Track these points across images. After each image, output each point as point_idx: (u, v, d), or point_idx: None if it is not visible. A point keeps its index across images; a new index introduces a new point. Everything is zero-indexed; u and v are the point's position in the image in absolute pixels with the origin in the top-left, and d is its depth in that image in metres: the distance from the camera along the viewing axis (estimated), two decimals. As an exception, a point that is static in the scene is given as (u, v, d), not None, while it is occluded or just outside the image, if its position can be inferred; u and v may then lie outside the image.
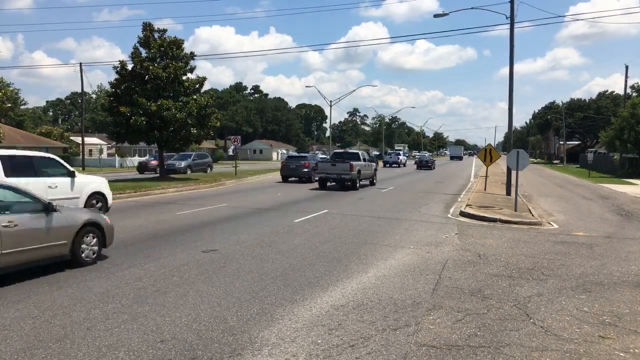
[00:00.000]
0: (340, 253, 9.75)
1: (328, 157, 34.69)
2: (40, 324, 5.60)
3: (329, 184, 26.09)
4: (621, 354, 5.04)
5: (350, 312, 6.20)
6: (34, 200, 7.91)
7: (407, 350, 5.04)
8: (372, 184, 28.48)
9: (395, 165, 61.09)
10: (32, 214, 7.68)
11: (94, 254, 8.59)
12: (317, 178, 26.93)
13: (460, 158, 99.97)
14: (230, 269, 8.26)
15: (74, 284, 7.21)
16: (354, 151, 29.76)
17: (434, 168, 55.49)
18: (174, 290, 6.98)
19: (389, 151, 77.55)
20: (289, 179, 30.91)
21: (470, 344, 5.22)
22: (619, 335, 5.56)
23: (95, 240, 8.64)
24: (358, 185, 25.51)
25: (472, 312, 6.26)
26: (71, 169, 13.58)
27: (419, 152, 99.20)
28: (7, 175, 11.10)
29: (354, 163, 25.18)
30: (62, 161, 13.57)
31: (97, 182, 14.53)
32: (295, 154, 39.75)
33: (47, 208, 7.88)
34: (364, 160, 27.35)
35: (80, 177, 13.94)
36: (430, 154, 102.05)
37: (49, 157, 13.28)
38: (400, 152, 71.20)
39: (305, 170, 30.06)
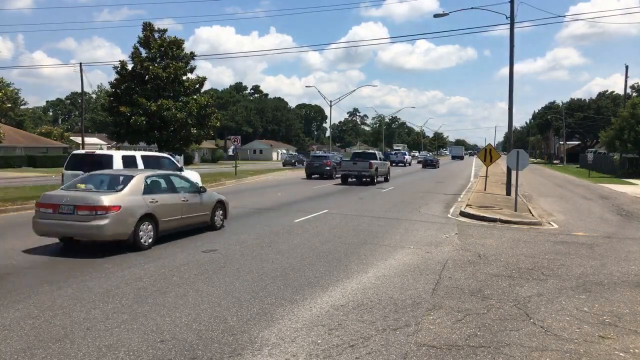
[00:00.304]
0: (340, 253, 9.75)
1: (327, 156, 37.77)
2: (40, 324, 5.60)
3: (350, 179, 29.10)
4: (621, 354, 5.04)
5: (350, 312, 6.20)
6: (192, 185, 11.89)
7: (407, 350, 5.04)
8: (386, 180, 31.41)
9: (401, 164, 62.33)
10: (193, 194, 11.49)
11: (221, 221, 12.53)
12: (339, 175, 30.64)
13: (461, 158, 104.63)
14: (230, 269, 8.26)
15: (74, 284, 7.21)
16: (372, 151, 33.40)
17: (438, 167, 58.74)
18: (174, 290, 6.98)
19: (395, 151, 79.87)
20: (312, 176, 33.67)
21: (470, 344, 5.22)
22: (619, 335, 5.56)
23: (221, 212, 12.54)
24: (376, 180, 28.70)
25: (472, 312, 6.26)
26: (180, 165, 17.54)
27: (418, 152, 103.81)
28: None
29: (373, 162, 28.60)
30: (174, 159, 17.61)
31: (196, 176, 18.99)
32: (318, 154, 43.02)
33: (199, 190, 11.83)
34: (380, 159, 30.67)
35: (186, 172, 17.43)
36: (432, 153, 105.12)
37: (167, 157, 17.42)
38: (406, 152, 74.48)
39: (327, 168, 33.22)
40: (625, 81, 56.63)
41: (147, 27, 29.60)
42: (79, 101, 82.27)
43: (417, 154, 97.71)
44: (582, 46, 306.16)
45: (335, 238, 11.37)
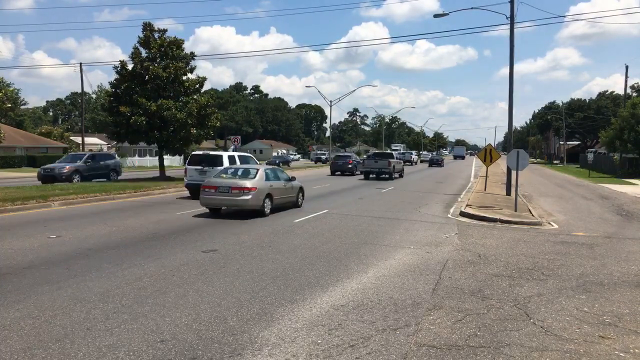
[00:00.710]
0: (340, 253, 9.75)
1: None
2: (40, 324, 5.60)
3: (370, 175, 34.41)
4: (621, 354, 5.04)
5: (350, 312, 6.20)
6: (285, 175, 16.92)
7: (407, 350, 5.04)
8: (401, 176, 36.40)
9: (408, 163, 64.08)
10: (287, 181, 16.51)
11: (302, 201, 17.57)
12: (359, 172, 37.57)
13: (462, 157, 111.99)
14: (230, 269, 8.26)
15: (74, 284, 7.21)
16: (389, 151, 42.48)
17: (443, 165, 64.67)
18: (174, 290, 6.98)
19: (402, 151, 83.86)
20: (336, 173, 39.59)
21: (470, 344, 5.22)
22: (619, 335, 5.56)
23: (301, 195, 17.60)
24: (393, 176, 34.18)
25: (472, 312, 6.26)
26: (257, 161, 21.58)
27: (426, 152, 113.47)
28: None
29: (391, 160, 34.21)
30: (253, 157, 22.10)
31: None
32: (341, 153, 51.55)
33: (290, 179, 16.90)
34: (396, 158, 36.44)
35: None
36: (435, 153, 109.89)
37: (250, 155, 22.18)
38: (413, 152, 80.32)
39: (349, 166, 39.24)
40: (626, 81, 56.76)
41: (147, 27, 29.58)
42: (79, 101, 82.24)
43: (424, 153, 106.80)
44: (583, 46, 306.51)
45: (335, 238, 11.37)
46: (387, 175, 33.60)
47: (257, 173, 15.08)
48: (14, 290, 6.88)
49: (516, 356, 4.92)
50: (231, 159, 20.01)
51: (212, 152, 21.79)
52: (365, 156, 50.07)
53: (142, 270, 8.11)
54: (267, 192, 14.83)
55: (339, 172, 39.49)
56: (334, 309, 6.31)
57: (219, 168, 17.92)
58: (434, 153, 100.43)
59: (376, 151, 45.21)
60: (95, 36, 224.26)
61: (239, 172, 15.61)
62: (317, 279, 7.72)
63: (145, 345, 5.05)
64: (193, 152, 21.86)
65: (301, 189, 17.47)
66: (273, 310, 6.21)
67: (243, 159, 20.72)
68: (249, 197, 14.19)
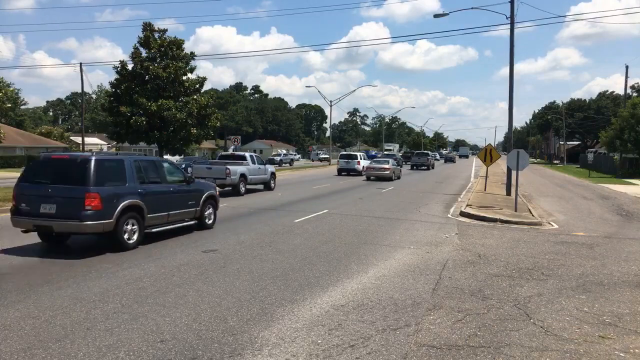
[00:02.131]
0: (340, 253, 9.75)
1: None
2: (40, 324, 5.60)
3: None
4: (621, 354, 5.04)
5: (350, 312, 6.20)
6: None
7: (407, 350, 5.04)
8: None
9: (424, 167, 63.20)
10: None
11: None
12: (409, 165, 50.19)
13: (467, 157, 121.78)
14: (230, 269, 8.26)
15: (74, 284, 7.21)
16: (426, 151, 61.20)
17: (455, 161, 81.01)
18: (174, 290, 6.98)
19: (394, 151, 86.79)
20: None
21: (470, 344, 5.22)
22: (619, 335, 5.56)
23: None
24: (430, 168, 51.11)
25: (472, 312, 6.26)
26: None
27: (445, 150, 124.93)
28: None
29: (429, 157, 53.18)
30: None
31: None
32: (388, 152, 60.87)
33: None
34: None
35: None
36: (447, 152, 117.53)
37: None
38: (428, 153, 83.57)
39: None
40: (626, 81, 56.77)
41: (147, 27, 29.61)
42: (79, 101, 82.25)
43: (444, 151, 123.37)
44: (583, 46, 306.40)
45: (336, 238, 11.37)
46: (425, 167, 51.03)
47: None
48: (14, 290, 6.88)
49: (516, 356, 4.92)
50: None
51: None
52: (414, 154, 63.65)
53: (142, 270, 8.11)
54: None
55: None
56: (334, 309, 6.31)
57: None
58: (446, 152, 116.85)
59: (418, 151, 63.48)
60: (97, 36, 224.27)
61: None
62: (317, 279, 7.73)
63: (145, 345, 5.05)
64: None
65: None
66: (273, 310, 6.21)
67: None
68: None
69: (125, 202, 9.40)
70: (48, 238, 10.00)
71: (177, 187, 11.31)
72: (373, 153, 75.76)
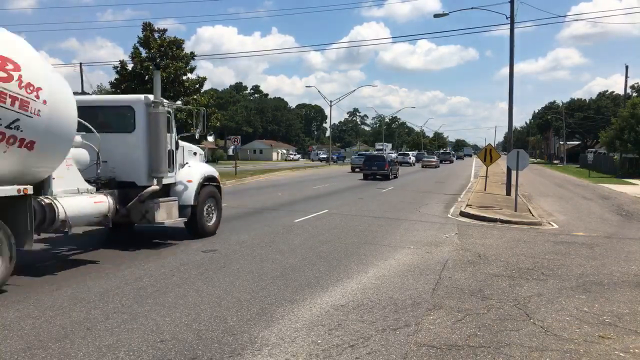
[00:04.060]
0: (340, 253, 9.75)
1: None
2: (40, 324, 5.60)
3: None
4: (621, 354, 5.04)
5: (350, 312, 6.20)
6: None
7: (407, 350, 5.04)
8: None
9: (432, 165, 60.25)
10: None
11: None
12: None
13: (470, 156, 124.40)
14: (230, 269, 8.26)
15: (74, 284, 7.21)
16: (449, 150, 72.18)
17: (463, 159, 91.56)
18: (174, 290, 6.98)
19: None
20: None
21: (470, 344, 5.22)
22: (619, 335, 5.56)
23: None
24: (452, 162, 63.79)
25: (472, 312, 6.26)
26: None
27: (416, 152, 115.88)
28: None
29: (451, 156, 70.92)
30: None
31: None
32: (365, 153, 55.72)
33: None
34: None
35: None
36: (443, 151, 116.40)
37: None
38: (434, 153, 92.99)
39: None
40: (626, 81, 56.38)
41: (147, 27, 29.63)
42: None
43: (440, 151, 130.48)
44: (584, 46, 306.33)
45: (336, 238, 11.37)
46: (449, 162, 63.52)
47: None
48: (14, 290, 6.88)
49: (516, 356, 4.92)
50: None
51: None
52: (440, 152, 74.74)
53: (142, 270, 8.11)
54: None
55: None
56: (334, 309, 6.31)
57: None
58: (447, 150, 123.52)
59: (441, 151, 72.55)
60: (98, 36, 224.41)
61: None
62: (317, 279, 7.72)
63: (145, 345, 5.05)
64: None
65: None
66: (273, 310, 6.21)
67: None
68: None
69: None
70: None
71: None
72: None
